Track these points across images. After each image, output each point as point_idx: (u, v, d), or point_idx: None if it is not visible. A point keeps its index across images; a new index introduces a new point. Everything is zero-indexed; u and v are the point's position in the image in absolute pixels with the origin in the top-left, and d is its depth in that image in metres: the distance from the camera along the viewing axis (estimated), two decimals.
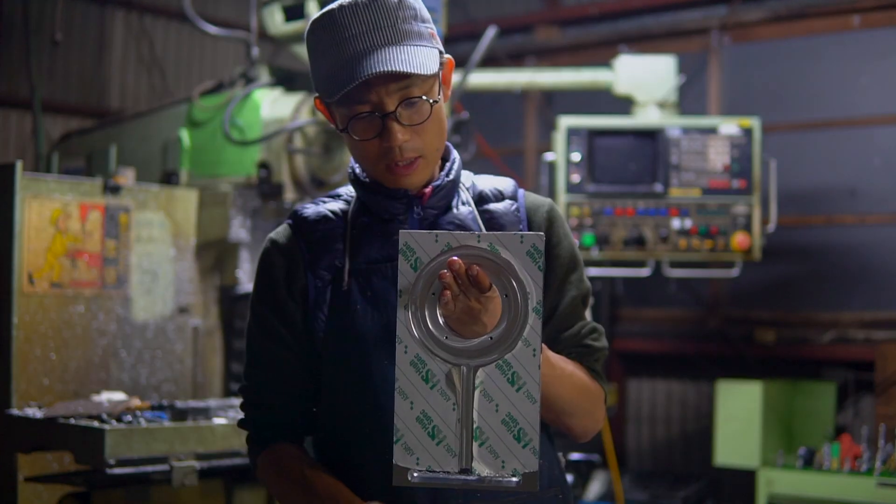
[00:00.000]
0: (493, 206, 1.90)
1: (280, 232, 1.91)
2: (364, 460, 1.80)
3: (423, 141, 1.79)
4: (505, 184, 1.96)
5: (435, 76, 1.78)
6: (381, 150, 1.77)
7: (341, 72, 1.72)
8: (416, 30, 1.76)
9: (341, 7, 1.75)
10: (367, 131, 1.76)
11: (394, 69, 1.70)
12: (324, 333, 1.84)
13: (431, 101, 1.77)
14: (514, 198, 1.92)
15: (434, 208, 1.86)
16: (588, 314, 1.99)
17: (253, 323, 1.91)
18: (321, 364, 1.86)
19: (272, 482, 1.88)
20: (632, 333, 6.04)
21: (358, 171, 1.88)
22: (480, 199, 1.91)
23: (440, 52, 1.81)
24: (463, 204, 1.89)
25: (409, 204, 1.85)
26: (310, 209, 1.91)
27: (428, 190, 1.85)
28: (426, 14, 1.81)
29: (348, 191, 1.94)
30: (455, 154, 1.92)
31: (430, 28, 1.81)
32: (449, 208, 1.88)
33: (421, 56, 1.74)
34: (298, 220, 1.89)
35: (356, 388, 1.80)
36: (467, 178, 1.95)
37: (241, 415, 1.94)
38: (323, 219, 1.88)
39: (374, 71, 1.69)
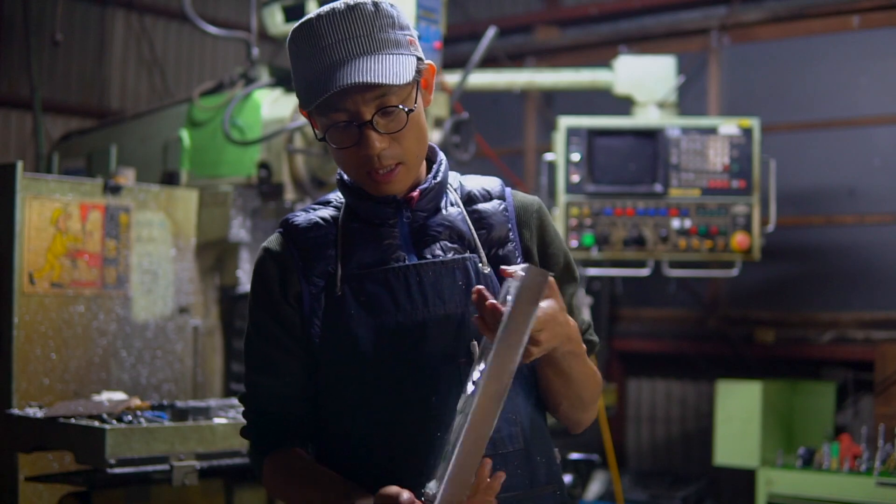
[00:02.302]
0: (481, 205, 1.91)
1: (272, 241, 1.92)
2: (362, 465, 1.80)
3: (403, 148, 1.79)
4: (492, 183, 1.96)
5: (411, 84, 1.78)
6: (359, 158, 1.78)
7: (317, 82, 1.74)
8: (393, 38, 1.77)
9: (319, 16, 1.77)
10: (344, 140, 1.78)
11: (366, 80, 1.71)
12: (320, 340, 1.84)
13: (407, 109, 1.77)
14: (501, 197, 1.93)
15: (423, 211, 1.87)
16: (587, 313, 2.03)
17: (252, 330, 1.92)
18: (318, 370, 1.86)
19: (279, 487, 1.88)
20: (631, 333, 6.05)
21: (346, 177, 1.89)
22: (469, 200, 1.92)
23: (419, 59, 1.81)
24: (452, 205, 1.90)
25: (397, 208, 1.85)
26: (300, 217, 1.91)
27: (415, 194, 1.85)
28: (405, 20, 1.81)
29: (338, 196, 1.94)
30: (441, 155, 1.92)
31: (409, 35, 1.81)
32: (438, 210, 1.89)
33: (396, 65, 1.75)
34: (290, 229, 1.90)
35: (351, 391, 1.81)
36: (454, 178, 1.96)
37: (241, 416, 1.94)
38: (314, 226, 1.88)
39: (346, 82, 1.71)
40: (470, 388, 1.65)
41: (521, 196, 1.96)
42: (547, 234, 1.93)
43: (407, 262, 1.83)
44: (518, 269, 1.64)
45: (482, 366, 1.63)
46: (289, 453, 1.87)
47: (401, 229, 1.86)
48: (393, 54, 1.76)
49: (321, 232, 1.87)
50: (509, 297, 1.62)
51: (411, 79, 1.77)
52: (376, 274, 1.83)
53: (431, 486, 1.59)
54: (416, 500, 1.59)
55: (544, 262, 1.91)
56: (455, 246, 1.86)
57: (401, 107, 1.76)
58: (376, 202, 1.84)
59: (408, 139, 1.79)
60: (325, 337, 1.83)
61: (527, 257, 1.90)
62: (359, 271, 1.83)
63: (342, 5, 1.77)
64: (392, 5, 1.80)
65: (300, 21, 1.80)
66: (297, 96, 1.83)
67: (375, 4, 1.77)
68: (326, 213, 1.91)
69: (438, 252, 1.84)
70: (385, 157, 1.77)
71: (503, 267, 1.70)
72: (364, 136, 1.76)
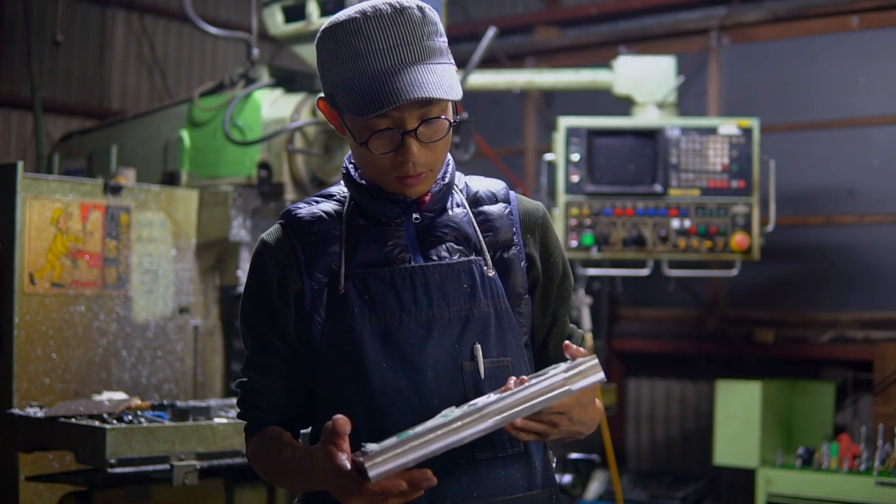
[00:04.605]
0: (487, 208, 1.91)
1: (272, 233, 1.89)
2: None
3: (435, 155, 1.79)
4: (497, 186, 1.97)
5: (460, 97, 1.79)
6: (394, 162, 1.77)
7: (371, 90, 1.71)
8: (437, 46, 1.76)
9: (365, 16, 1.73)
10: (385, 146, 1.76)
11: (429, 95, 1.69)
12: (321, 336, 1.84)
13: (451, 120, 1.78)
14: (506, 200, 1.93)
15: (430, 211, 1.87)
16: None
17: (244, 327, 1.92)
18: (318, 366, 1.86)
19: (259, 461, 1.89)
20: (631, 333, 6.05)
21: (353, 172, 1.88)
22: (476, 201, 1.92)
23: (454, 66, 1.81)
24: (458, 205, 1.90)
25: (406, 208, 1.85)
26: (303, 209, 1.89)
27: (427, 196, 1.85)
28: (442, 27, 1.80)
29: (341, 190, 1.92)
30: (448, 156, 1.91)
31: (446, 41, 1.80)
32: (444, 210, 1.88)
33: (448, 78, 1.75)
34: (292, 221, 1.87)
35: (354, 391, 1.81)
36: (459, 179, 1.96)
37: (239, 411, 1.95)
38: (318, 220, 1.86)
39: (410, 96, 1.69)
40: (470, 404, 1.66)
41: (526, 201, 1.96)
42: (550, 242, 1.94)
43: (413, 264, 1.83)
44: (583, 355, 1.69)
45: (492, 397, 1.65)
46: (270, 430, 1.88)
47: (407, 229, 1.85)
48: (440, 64, 1.75)
49: (325, 226, 1.86)
50: (554, 370, 1.67)
51: (461, 93, 1.77)
52: (381, 273, 1.82)
53: (372, 446, 1.60)
54: (346, 434, 1.60)
55: (545, 270, 1.92)
56: (461, 248, 1.86)
57: (443, 117, 1.76)
58: (385, 200, 1.84)
59: (440, 147, 1.80)
60: (327, 334, 1.83)
61: (529, 263, 1.90)
62: (363, 269, 1.83)
63: (388, 7, 1.73)
64: (432, 10, 1.78)
65: (340, 18, 1.76)
66: (333, 94, 1.79)
67: (421, 9, 1.75)
68: (329, 206, 1.89)
69: (444, 253, 1.84)
70: (419, 164, 1.77)
71: (567, 343, 1.73)
72: (405, 144, 1.75)
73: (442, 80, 1.72)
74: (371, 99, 1.70)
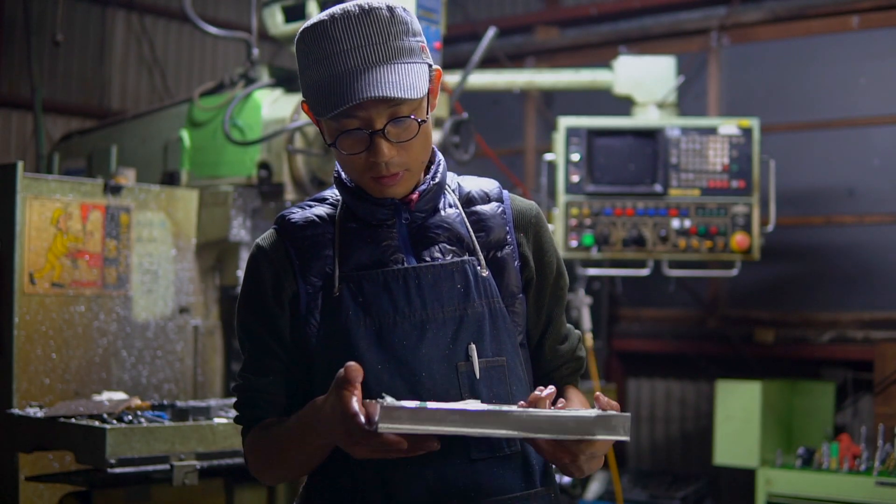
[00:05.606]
0: (480, 207, 1.92)
1: (267, 238, 1.90)
2: (357, 466, 1.80)
3: (409, 156, 1.79)
4: (490, 185, 1.97)
5: (424, 95, 1.79)
6: (367, 163, 1.78)
7: (332, 89, 1.72)
8: (407, 46, 1.76)
9: (333, 18, 1.74)
10: (354, 146, 1.77)
11: (385, 94, 1.70)
12: (316, 339, 1.84)
13: (420, 120, 1.78)
14: (500, 200, 1.94)
15: (421, 212, 1.87)
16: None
17: (241, 330, 1.92)
18: (314, 368, 1.86)
19: (254, 449, 1.88)
20: (631, 333, 6.05)
21: (344, 175, 1.89)
22: (468, 201, 1.92)
23: (429, 66, 1.81)
24: (450, 206, 1.90)
25: (396, 210, 1.85)
26: (297, 214, 1.90)
27: (414, 196, 1.85)
28: (417, 26, 1.80)
29: (334, 193, 1.94)
30: (439, 156, 1.92)
31: (421, 41, 1.80)
32: (436, 210, 1.89)
33: (412, 76, 1.74)
34: (286, 226, 1.89)
35: None
36: (452, 179, 1.96)
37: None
38: (311, 224, 1.87)
39: (365, 95, 1.69)
40: (501, 407, 1.66)
41: (519, 201, 1.96)
42: (544, 242, 1.94)
43: (406, 265, 1.83)
44: (615, 408, 1.68)
45: (514, 407, 1.65)
46: (264, 422, 1.88)
47: (399, 230, 1.86)
48: (407, 63, 1.75)
49: (318, 230, 1.87)
50: (584, 411, 1.66)
51: (426, 91, 1.77)
52: (375, 276, 1.82)
53: (390, 399, 1.60)
54: (357, 385, 1.60)
55: (539, 269, 1.92)
56: (454, 248, 1.86)
57: (413, 117, 1.76)
58: (374, 203, 1.84)
59: (415, 147, 1.79)
60: (322, 337, 1.83)
61: (523, 263, 1.90)
62: (357, 272, 1.83)
63: (356, 8, 1.75)
64: (405, 10, 1.79)
65: (311, 21, 1.78)
66: (305, 97, 1.82)
67: (391, 9, 1.76)
68: (322, 210, 1.90)
69: (437, 254, 1.84)
70: (393, 164, 1.77)
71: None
72: (374, 144, 1.75)
73: (403, 79, 1.73)
74: (330, 99, 1.72)
